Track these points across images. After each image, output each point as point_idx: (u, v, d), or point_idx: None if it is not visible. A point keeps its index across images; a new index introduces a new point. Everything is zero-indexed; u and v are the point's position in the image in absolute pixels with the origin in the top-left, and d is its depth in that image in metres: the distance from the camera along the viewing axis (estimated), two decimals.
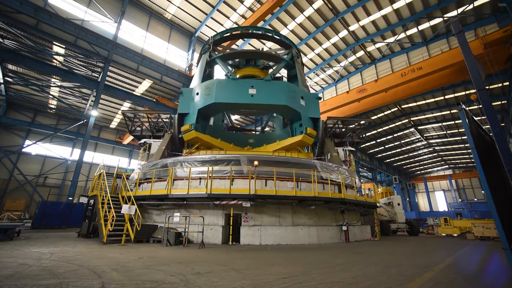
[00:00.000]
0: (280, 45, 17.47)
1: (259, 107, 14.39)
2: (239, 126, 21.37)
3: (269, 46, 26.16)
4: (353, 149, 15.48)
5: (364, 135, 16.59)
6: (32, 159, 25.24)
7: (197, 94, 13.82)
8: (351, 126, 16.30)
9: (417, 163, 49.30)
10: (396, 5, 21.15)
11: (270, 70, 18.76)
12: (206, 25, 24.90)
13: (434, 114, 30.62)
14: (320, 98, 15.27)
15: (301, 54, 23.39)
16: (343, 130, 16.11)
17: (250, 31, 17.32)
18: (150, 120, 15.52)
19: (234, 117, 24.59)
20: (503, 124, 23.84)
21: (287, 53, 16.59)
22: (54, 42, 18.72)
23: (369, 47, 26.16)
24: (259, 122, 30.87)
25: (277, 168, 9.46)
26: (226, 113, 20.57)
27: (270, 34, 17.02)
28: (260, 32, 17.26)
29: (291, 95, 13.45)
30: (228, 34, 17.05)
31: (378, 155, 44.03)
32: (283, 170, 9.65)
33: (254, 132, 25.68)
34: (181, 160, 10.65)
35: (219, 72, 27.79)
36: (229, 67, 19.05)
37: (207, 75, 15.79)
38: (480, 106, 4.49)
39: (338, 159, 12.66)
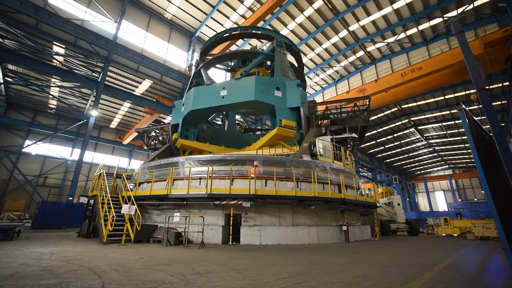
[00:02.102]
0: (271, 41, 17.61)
1: (231, 107, 14.35)
2: (244, 127, 21.41)
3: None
4: (354, 135, 13.47)
5: (369, 114, 14.42)
6: (32, 159, 25.23)
7: (183, 105, 14.69)
8: (347, 110, 14.51)
9: (417, 163, 49.33)
10: (396, 5, 21.17)
11: (269, 63, 18.71)
12: (206, 25, 24.91)
13: (434, 114, 30.64)
14: (300, 85, 13.94)
15: (301, 54, 23.37)
16: (342, 115, 14.42)
17: (228, 34, 17.45)
18: (156, 133, 17.39)
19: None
20: (503, 124, 23.84)
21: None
22: (54, 42, 18.73)
23: (369, 47, 26.17)
24: (259, 122, 30.90)
25: (216, 166, 9.64)
26: (241, 116, 20.78)
27: (249, 31, 17.19)
28: (238, 32, 17.41)
29: (261, 88, 13.08)
30: (209, 43, 17.63)
31: (378, 155, 44.05)
32: (221, 168, 9.61)
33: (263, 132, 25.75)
34: (146, 166, 11.70)
35: (220, 76, 27.95)
36: (227, 72, 19.20)
37: (194, 85, 16.15)
38: (480, 106, 4.50)
39: (304, 150, 11.69)
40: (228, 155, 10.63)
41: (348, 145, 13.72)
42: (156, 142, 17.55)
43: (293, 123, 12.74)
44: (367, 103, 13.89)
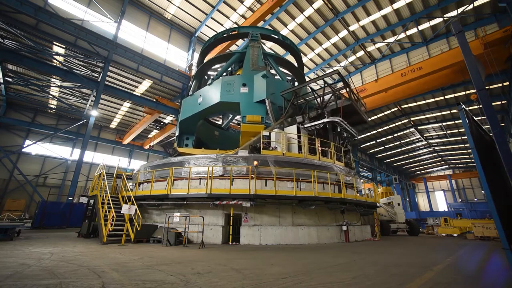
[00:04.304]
0: (276, 42, 17.96)
1: (206, 112, 14.84)
2: None
3: (268, 45, 26.21)
4: (336, 120, 11.82)
5: (350, 90, 12.77)
6: (32, 159, 25.23)
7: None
8: (319, 94, 13.24)
9: (417, 163, 49.31)
10: (396, 5, 21.15)
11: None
12: (206, 25, 24.90)
13: (434, 114, 30.62)
14: (266, 76, 13.08)
15: (301, 54, 23.38)
16: (321, 99, 13.10)
17: (208, 44, 18.37)
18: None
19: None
20: (503, 124, 23.83)
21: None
22: (54, 42, 18.73)
23: (369, 47, 26.15)
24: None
25: (156, 171, 10.34)
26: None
27: (226, 34, 18.00)
28: (214, 39, 18.17)
29: (226, 88, 13.28)
30: (203, 48, 18.73)
31: (378, 155, 44.04)
32: (164, 171, 10.32)
33: None
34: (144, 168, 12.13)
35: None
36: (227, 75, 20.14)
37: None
38: (480, 106, 4.50)
39: (245, 146, 11.50)
40: (171, 159, 11.32)
41: (342, 134, 12.48)
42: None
43: (258, 117, 12.38)
44: (339, 77, 12.31)
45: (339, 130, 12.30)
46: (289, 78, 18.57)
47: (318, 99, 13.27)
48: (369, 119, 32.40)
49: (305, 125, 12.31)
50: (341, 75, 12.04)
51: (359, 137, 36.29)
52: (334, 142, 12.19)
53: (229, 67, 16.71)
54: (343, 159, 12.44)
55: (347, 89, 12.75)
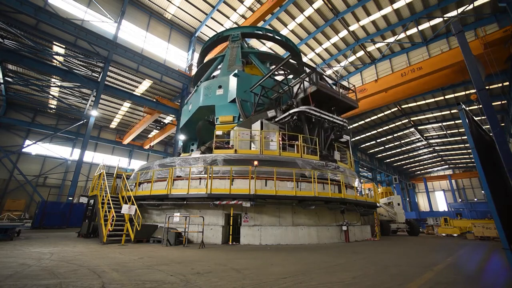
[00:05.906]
0: (277, 43, 18.03)
1: (194, 117, 15.19)
2: None
3: (268, 46, 26.22)
4: (305, 109, 11.05)
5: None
6: (32, 159, 25.24)
7: None
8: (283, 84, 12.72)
9: (417, 163, 49.31)
10: (396, 5, 21.16)
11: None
12: (206, 25, 24.92)
13: (434, 114, 30.63)
14: (237, 75, 13.06)
15: (301, 54, 23.40)
16: (290, 89, 12.66)
17: (207, 46, 18.93)
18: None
19: None
20: (503, 124, 23.83)
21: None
22: (54, 42, 18.74)
23: (369, 47, 26.16)
24: None
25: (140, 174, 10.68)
26: None
27: (215, 39, 18.37)
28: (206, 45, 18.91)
29: (205, 93, 13.75)
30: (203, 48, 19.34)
31: (378, 155, 44.05)
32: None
33: None
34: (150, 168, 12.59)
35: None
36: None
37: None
38: (480, 106, 4.50)
39: (200, 148, 11.95)
40: (145, 164, 12.04)
41: (323, 124, 11.84)
42: None
43: (230, 117, 12.63)
44: (292, 61, 11.68)
45: (313, 120, 11.39)
46: (290, 73, 18.52)
47: (294, 89, 12.73)
48: (369, 119, 32.57)
49: (276, 119, 11.87)
50: (292, 56, 11.91)
51: (359, 137, 36.31)
52: (312, 134, 11.51)
53: (213, 72, 17.18)
54: (318, 151, 11.24)
55: (314, 73, 11.81)
